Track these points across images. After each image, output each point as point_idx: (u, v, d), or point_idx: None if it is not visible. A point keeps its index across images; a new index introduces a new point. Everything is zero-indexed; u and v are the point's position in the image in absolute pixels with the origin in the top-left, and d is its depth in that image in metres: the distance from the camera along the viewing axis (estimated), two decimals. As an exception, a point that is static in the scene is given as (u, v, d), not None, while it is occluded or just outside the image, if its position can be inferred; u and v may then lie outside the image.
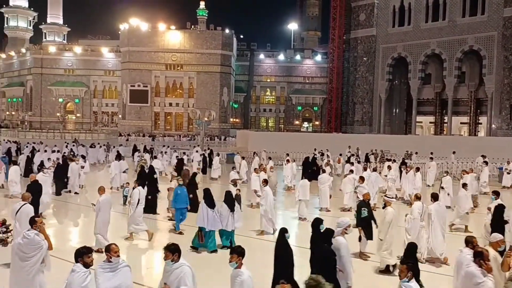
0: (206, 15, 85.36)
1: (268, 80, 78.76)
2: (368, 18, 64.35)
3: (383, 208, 10.26)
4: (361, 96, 65.83)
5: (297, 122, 77.62)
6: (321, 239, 7.16)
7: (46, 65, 77.94)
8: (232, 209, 11.11)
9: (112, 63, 76.90)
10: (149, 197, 14.76)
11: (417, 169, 18.33)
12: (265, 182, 13.67)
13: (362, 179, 15.26)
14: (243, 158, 25.68)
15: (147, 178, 16.05)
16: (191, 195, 14.77)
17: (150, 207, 14.92)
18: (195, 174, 16.92)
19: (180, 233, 12.41)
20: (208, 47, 69.61)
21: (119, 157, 22.77)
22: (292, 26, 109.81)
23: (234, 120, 77.67)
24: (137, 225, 11.93)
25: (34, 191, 12.26)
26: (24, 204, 9.16)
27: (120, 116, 74.54)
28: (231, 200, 11.36)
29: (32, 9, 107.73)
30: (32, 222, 6.98)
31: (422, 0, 58.62)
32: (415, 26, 59.44)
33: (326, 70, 73.20)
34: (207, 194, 11.15)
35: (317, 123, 76.96)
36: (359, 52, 65.66)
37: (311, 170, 24.47)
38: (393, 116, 64.91)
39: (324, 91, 74.53)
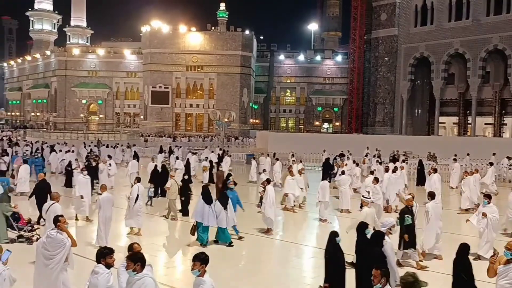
0: (227, 16, 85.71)
1: (288, 81, 78.62)
2: (390, 17, 63.62)
3: (360, 207, 10.39)
4: (383, 96, 65.10)
5: (317, 123, 77.23)
6: (371, 243, 7.14)
7: (70, 67, 79.49)
8: (225, 207, 11.56)
9: (134, 64, 77.96)
10: (183, 198, 15.02)
11: (435, 171, 17.98)
12: (268, 181, 13.81)
13: (376, 180, 14.99)
14: (277, 159, 25.18)
15: (164, 177, 16.18)
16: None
17: (184, 209, 15.07)
18: (229, 174, 16.89)
19: (240, 238, 11.99)
20: (228, 48, 69.90)
21: (136, 156, 24.03)
22: (312, 26, 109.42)
23: (254, 121, 77.76)
24: (137, 220, 12.38)
25: (41, 190, 12.84)
26: (53, 203, 9.40)
27: (141, 117, 75.48)
28: (224, 199, 11.82)
29: (56, 12, 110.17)
30: (56, 221, 7.13)
31: (445, -1, 57.66)
32: (438, 25, 58.46)
33: (346, 70, 72.68)
34: (205, 191, 11.66)
35: (337, 124, 76.43)
36: (381, 52, 64.96)
37: (331, 172, 24.33)
38: (415, 117, 63.95)
39: (344, 91, 73.99)
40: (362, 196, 10.75)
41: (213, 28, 74.64)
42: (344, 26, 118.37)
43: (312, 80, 77.35)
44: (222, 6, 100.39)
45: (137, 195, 12.42)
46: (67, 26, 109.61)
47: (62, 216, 7.32)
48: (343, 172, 17.28)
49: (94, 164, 20.03)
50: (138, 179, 13.10)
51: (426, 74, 60.69)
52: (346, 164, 21.96)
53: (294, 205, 16.45)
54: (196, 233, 11.38)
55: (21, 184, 17.71)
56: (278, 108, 79.73)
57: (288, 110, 79.97)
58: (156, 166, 19.40)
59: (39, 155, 25.18)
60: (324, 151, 31.24)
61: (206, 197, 11.42)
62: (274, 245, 12.11)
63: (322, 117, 77.99)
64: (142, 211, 12.75)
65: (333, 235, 7.45)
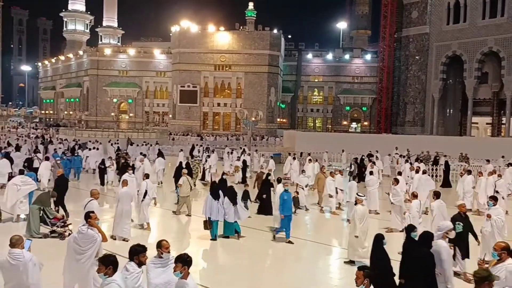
0: (255, 15, 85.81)
1: (316, 80, 78.08)
2: (421, 15, 62.28)
3: (355, 204, 10.53)
4: (413, 96, 63.83)
5: (345, 123, 76.42)
6: (419, 243, 7.12)
7: (102, 66, 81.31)
8: (234, 203, 11.91)
9: (164, 64, 79.08)
10: (264, 196, 15.22)
11: (469, 172, 17.51)
12: (278, 181, 13.94)
13: (396, 181, 14.39)
14: (294, 158, 25.09)
15: (188, 174, 16.38)
16: (264, 195, 14.96)
17: (264, 207, 15.11)
18: (268, 174, 16.95)
19: (290, 242, 11.87)
20: (256, 47, 69.98)
21: (161, 154, 24.64)
22: (341, 25, 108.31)
23: (281, 120, 77.60)
24: (144, 215, 12.82)
25: (60, 185, 13.61)
26: (91, 200, 9.66)
27: (170, 116, 76.53)
28: (233, 194, 12.08)
29: (89, 12, 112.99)
30: (87, 217, 7.31)
31: (479, -5, 56.04)
32: (471, 23, 56.87)
33: (376, 69, 71.62)
34: (213, 187, 12.27)
35: (366, 123, 75.39)
36: (411, 51, 63.68)
37: (359, 172, 24.07)
38: (447, 117, 62.43)
39: (373, 91, 72.93)
40: (357, 194, 10.80)
41: (241, 27, 74.90)
42: (374, 24, 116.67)
43: (340, 79, 76.57)
44: (251, 5, 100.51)
45: (146, 191, 12.87)
46: (99, 26, 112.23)
47: (93, 212, 7.50)
48: (371, 173, 17.06)
49: (123, 161, 20.42)
50: (146, 176, 13.72)
51: (459, 73, 59.14)
52: (374, 164, 21.66)
53: (337, 207, 16.39)
54: (209, 227, 11.73)
55: (42, 178, 18.25)
56: (305, 107, 79.29)
57: (316, 110, 79.42)
58: (180, 162, 19.77)
59: (78, 153, 25.58)
60: (343, 151, 31.60)
61: (214, 193, 11.82)
62: (301, 245, 12.06)
63: (350, 116, 77.11)
64: (149, 206, 13.16)
65: (379, 237, 7.56)
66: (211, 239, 11.75)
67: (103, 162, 21.06)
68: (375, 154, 27.91)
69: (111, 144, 33.67)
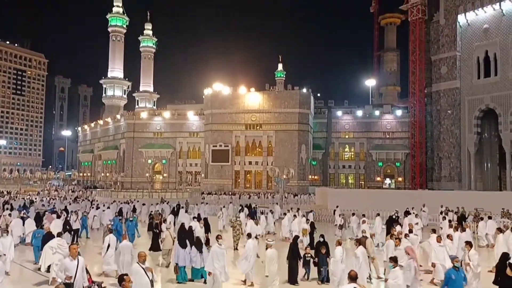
0: (284, 76, 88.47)
1: (347, 137, 78.11)
2: (451, 70, 62.49)
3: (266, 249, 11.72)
4: (447, 150, 62.62)
5: (378, 179, 75.15)
6: None
7: (138, 129, 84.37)
8: (200, 251, 13.22)
9: (196, 125, 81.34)
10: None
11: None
12: (249, 236, 14.45)
13: (470, 245, 12.50)
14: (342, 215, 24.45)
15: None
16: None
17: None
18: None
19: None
20: (286, 106, 71.34)
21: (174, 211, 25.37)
22: (370, 82, 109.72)
23: (313, 177, 77.13)
24: (108, 265, 13.74)
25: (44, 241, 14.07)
26: (136, 263, 9.41)
27: (202, 175, 77.49)
28: (199, 244, 13.38)
29: (126, 79, 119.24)
30: (121, 280, 7.40)
31: (508, 49, 56.04)
32: (502, 76, 56.56)
33: (407, 124, 71.22)
34: (180, 236, 13.60)
35: (400, 179, 73.88)
36: (443, 105, 63.33)
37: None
38: (485, 171, 60.56)
39: (406, 146, 72.10)
40: (267, 240, 11.94)
41: (271, 87, 76.94)
42: (403, 81, 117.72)
43: (372, 135, 76.36)
44: (280, 66, 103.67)
45: (108, 245, 13.76)
46: (136, 91, 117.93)
47: (126, 275, 7.58)
48: (410, 231, 16.59)
49: (156, 221, 20.56)
50: (110, 230, 14.58)
51: (494, 126, 58.07)
52: (416, 223, 21.08)
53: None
54: (177, 271, 13.15)
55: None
56: (337, 164, 78.83)
57: (348, 166, 78.77)
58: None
59: (133, 215, 25.38)
60: (378, 214, 29.48)
61: (181, 243, 13.33)
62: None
63: (384, 172, 75.90)
64: (112, 259, 13.66)
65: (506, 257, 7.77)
66: (177, 282, 13.09)
67: (156, 226, 19.56)
68: (411, 210, 27.11)
69: (126, 203, 34.53)
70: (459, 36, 61.89)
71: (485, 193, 44.26)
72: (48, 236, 14.50)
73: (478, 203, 29.72)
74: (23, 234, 19.80)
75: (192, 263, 13.19)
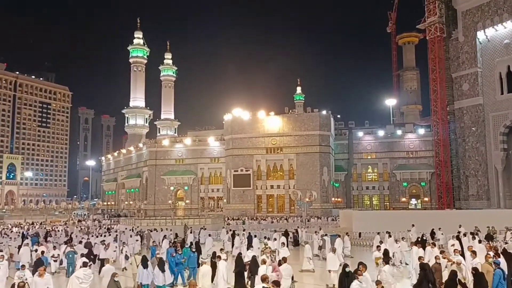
0: (303, 99, 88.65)
1: (369, 157, 77.16)
2: (473, 87, 61.55)
3: None
4: (474, 168, 61.08)
5: (403, 199, 73.59)
6: None
7: (160, 156, 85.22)
8: (162, 270, 15.36)
9: (217, 151, 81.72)
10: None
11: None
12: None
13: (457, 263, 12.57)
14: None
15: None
16: None
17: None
18: (346, 265, 13.27)
19: None
20: (306, 129, 71.17)
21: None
22: (390, 101, 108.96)
23: (336, 199, 76.06)
24: None
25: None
26: None
27: (224, 200, 77.33)
28: (162, 264, 15.53)
29: (148, 108, 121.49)
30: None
31: (531, 63, 55.03)
32: (526, 90, 55.36)
33: (430, 143, 70.00)
34: (143, 259, 15.05)
35: (426, 199, 72.18)
36: (466, 122, 62.15)
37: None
38: (514, 188, 58.66)
39: (430, 165, 70.70)
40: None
41: (290, 110, 77.05)
42: (424, 99, 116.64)
43: (395, 155, 75.25)
44: (299, 89, 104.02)
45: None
46: (157, 119, 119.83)
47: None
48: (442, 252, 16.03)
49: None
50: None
51: (521, 142, 56.53)
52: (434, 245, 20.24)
53: None
54: None
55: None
56: (360, 185, 77.69)
57: (371, 187, 77.51)
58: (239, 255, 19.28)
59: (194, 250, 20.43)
60: (413, 225, 28.75)
61: (143, 264, 14.84)
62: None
63: (409, 192, 74.35)
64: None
65: None
66: None
67: (214, 255, 17.04)
68: (437, 232, 26.31)
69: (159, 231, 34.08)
70: (479, 52, 61.17)
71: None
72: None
73: (509, 222, 28.66)
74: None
75: (155, 281, 15.06)
